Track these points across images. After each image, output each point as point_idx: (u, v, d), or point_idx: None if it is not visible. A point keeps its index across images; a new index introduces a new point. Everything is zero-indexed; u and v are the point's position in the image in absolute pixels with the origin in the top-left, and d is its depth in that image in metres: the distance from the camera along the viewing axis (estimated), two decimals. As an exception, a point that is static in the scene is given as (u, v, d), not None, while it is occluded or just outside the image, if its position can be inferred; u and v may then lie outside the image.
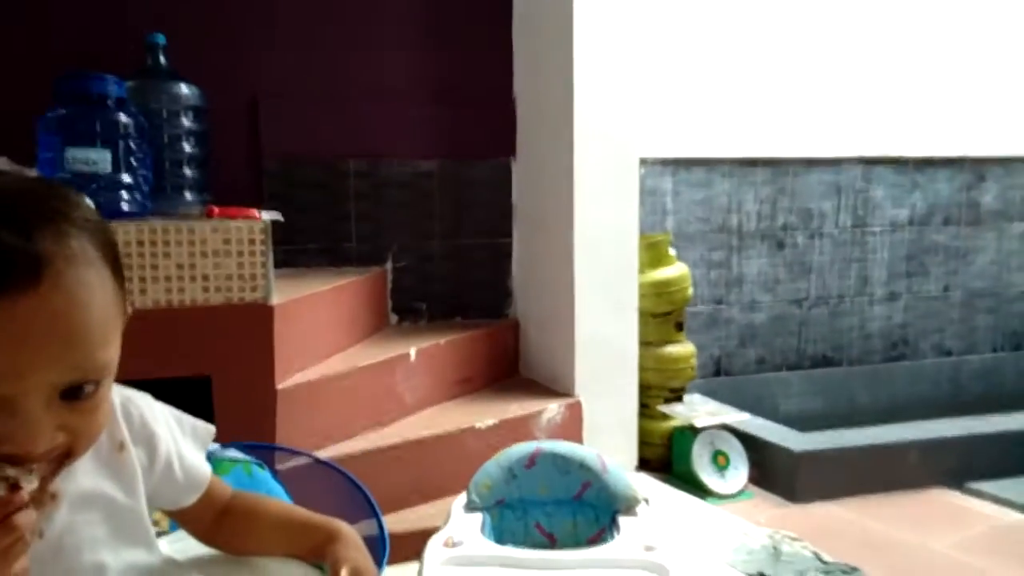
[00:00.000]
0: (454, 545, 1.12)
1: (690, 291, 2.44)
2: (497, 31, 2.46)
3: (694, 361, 2.43)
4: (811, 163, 2.96)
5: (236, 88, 2.22)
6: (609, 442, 2.19)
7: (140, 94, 1.76)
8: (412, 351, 2.08)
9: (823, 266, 3.02)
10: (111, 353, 0.59)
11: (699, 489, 2.15)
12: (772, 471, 2.20)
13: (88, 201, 0.62)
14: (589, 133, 2.19)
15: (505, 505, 1.29)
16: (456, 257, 2.48)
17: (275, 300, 1.68)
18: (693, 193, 2.82)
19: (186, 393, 1.52)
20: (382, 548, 1.29)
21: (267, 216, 1.72)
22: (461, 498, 1.29)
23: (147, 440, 0.69)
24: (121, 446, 0.67)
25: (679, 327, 2.42)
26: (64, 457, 0.59)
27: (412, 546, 1.37)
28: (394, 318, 2.44)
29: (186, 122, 1.86)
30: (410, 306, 2.45)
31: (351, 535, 0.75)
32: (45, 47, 2.01)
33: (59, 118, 1.57)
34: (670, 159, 2.77)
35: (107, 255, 0.59)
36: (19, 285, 0.51)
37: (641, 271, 2.31)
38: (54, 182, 0.60)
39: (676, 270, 2.42)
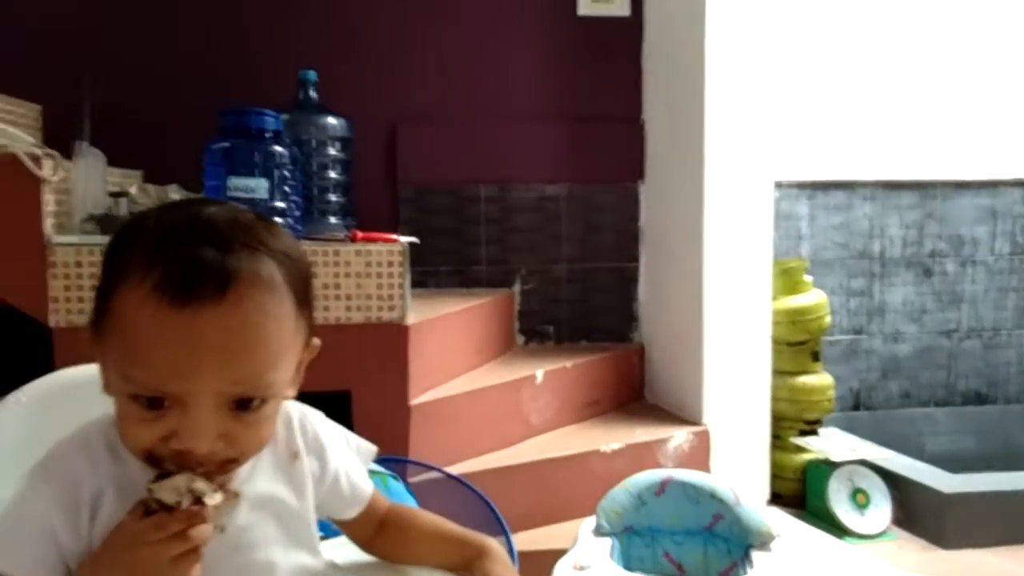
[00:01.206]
0: (582, 568, 1.12)
1: (827, 319, 2.34)
2: (626, 57, 2.48)
3: (831, 393, 2.32)
4: (962, 186, 2.77)
5: (377, 118, 2.34)
6: (739, 473, 2.13)
7: (293, 126, 1.89)
8: (539, 373, 2.11)
9: (976, 295, 2.81)
10: (279, 376, 0.63)
11: (836, 527, 2.05)
12: (918, 513, 2.06)
13: (292, 237, 0.67)
14: (720, 156, 2.15)
15: (633, 532, 1.28)
16: (582, 280, 2.50)
17: (411, 320, 1.76)
18: (831, 217, 2.71)
19: (328, 408, 1.62)
20: (510, 566, 1.31)
21: (405, 240, 1.80)
22: (589, 522, 1.29)
23: (319, 453, 0.74)
24: (295, 456, 0.72)
25: (815, 357, 2.33)
26: (228, 463, 0.64)
27: (537, 566, 1.38)
28: (521, 339, 2.48)
29: (333, 151, 1.98)
30: (537, 328, 2.49)
31: (500, 551, 0.78)
32: (212, 83, 2.20)
33: (223, 149, 1.71)
34: (806, 182, 2.68)
35: (295, 288, 0.63)
36: (205, 297, 0.57)
37: (775, 298, 2.24)
38: (265, 216, 0.66)
39: (812, 297, 2.32)
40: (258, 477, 0.69)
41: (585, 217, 2.49)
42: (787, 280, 2.32)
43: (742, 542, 1.21)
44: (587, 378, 2.27)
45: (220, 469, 0.63)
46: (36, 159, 1.59)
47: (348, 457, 0.77)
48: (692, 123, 2.19)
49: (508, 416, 2.03)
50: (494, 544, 0.78)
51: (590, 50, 2.47)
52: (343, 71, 2.22)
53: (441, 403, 1.85)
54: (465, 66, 2.42)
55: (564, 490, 1.92)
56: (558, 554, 1.26)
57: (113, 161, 1.78)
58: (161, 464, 0.62)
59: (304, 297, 0.66)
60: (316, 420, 0.76)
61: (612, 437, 2.07)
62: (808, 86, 2.64)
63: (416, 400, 1.78)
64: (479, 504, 1.51)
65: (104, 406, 0.65)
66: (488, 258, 2.47)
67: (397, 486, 1.41)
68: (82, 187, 1.66)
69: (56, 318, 1.60)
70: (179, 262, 0.58)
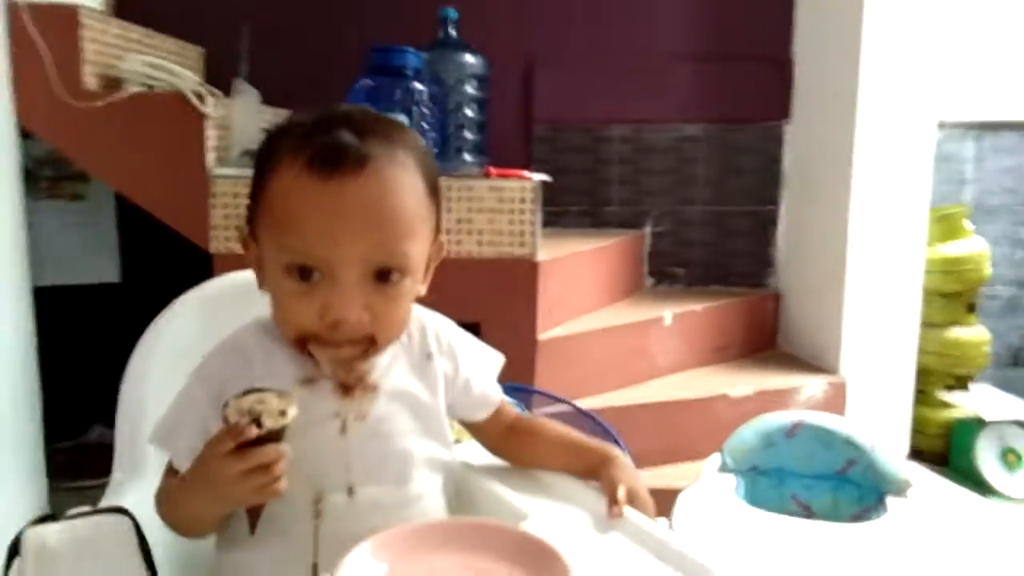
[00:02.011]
0: (704, 502, 1.12)
1: (988, 270, 2.17)
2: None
3: (987, 348, 2.17)
4: None
5: (514, 57, 2.34)
6: (877, 427, 2.04)
7: (433, 64, 1.93)
8: (667, 315, 2.09)
9: None
10: (415, 249, 0.69)
11: (981, 487, 1.93)
12: (1079, 481, 1.91)
13: (419, 138, 0.74)
14: (876, 94, 2.01)
15: (760, 472, 1.26)
16: (717, 224, 2.43)
17: (540, 257, 1.78)
18: (1000, 160, 2.48)
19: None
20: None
21: (537, 177, 1.81)
22: (714, 459, 1.29)
23: (451, 356, 0.79)
24: (429, 356, 0.77)
25: (971, 309, 2.17)
26: (369, 344, 0.69)
27: (659, 501, 1.38)
28: (650, 281, 2.45)
29: (470, 89, 2.01)
30: (666, 271, 2.45)
31: (624, 459, 0.80)
32: (358, 24, 2.28)
33: (367, 87, 1.78)
34: (975, 123, 2.45)
35: (425, 174, 0.71)
36: (347, 170, 0.65)
37: (930, 245, 2.09)
38: (400, 121, 0.73)
39: (971, 246, 2.16)
40: (394, 373, 0.74)
41: (723, 158, 2.40)
42: (944, 227, 2.16)
43: (876, 489, 1.16)
44: (718, 322, 2.22)
45: (363, 352, 0.70)
46: (200, 96, 1.72)
47: (478, 363, 0.81)
48: (847, 59, 2.05)
49: (635, 356, 2.03)
50: (618, 452, 0.80)
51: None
52: (482, 9, 2.22)
53: (568, 339, 1.87)
54: (603, 4, 2.37)
55: (689, 432, 1.91)
56: (679, 490, 1.26)
57: (267, 99, 1.89)
58: (307, 351, 0.68)
59: (432, 186, 0.71)
60: (449, 327, 0.81)
61: (741, 382, 2.03)
62: (978, 16, 2.40)
63: (543, 335, 1.81)
64: (606, 438, 1.53)
65: (259, 310, 0.72)
66: (620, 199, 2.44)
67: (524, 415, 1.46)
68: (240, 123, 1.78)
69: (216, 244, 1.74)
70: (323, 145, 0.66)
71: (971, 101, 2.42)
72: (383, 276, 0.67)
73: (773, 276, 2.43)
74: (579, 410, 1.54)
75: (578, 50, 2.38)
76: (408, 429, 0.74)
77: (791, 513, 1.23)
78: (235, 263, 0.83)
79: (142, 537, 0.68)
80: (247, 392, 0.62)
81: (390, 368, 0.74)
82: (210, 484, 0.63)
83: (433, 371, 0.77)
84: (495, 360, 0.84)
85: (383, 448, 0.73)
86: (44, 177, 2.10)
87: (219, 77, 1.87)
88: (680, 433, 1.90)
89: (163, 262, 1.99)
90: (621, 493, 0.73)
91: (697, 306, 2.18)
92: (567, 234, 2.29)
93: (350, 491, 0.71)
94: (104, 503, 0.76)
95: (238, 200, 1.72)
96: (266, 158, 0.69)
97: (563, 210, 2.42)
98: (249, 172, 0.73)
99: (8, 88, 1.66)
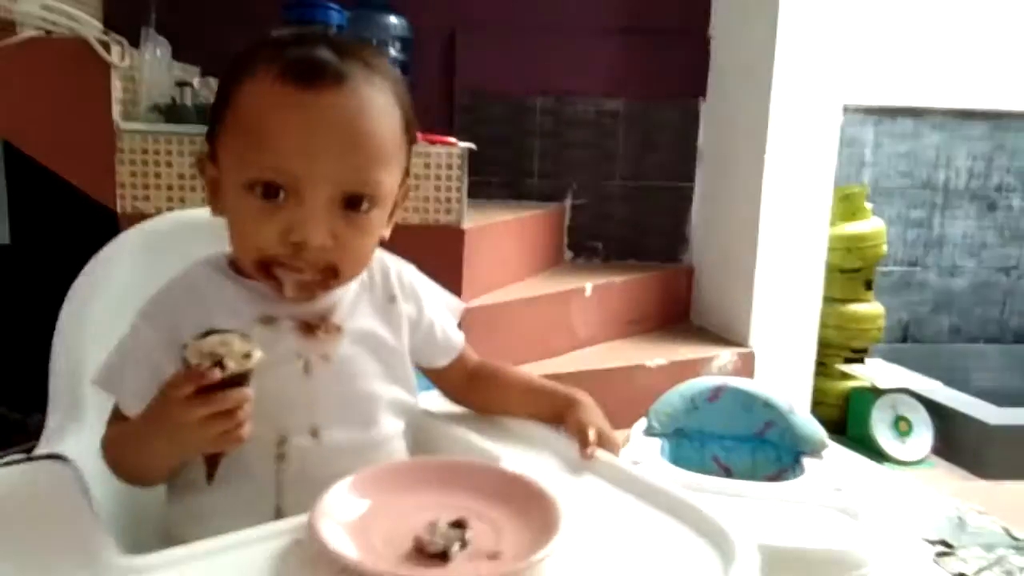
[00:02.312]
0: (635, 463, 1.15)
1: (884, 248, 2.31)
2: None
3: (881, 323, 2.31)
4: (1037, 118, 2.66)
5: (438, 22, 2.30)
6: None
7: (355, 23, 1.87)
8: (588, 287, 2.12)
9: (1040, 233, 2.73)
10: (387, 179, 0.66)
11: (875, 454, 2.06)
12: (960, 443, 2.07)
13: (398, 72, 0.71)
14: (790, 76, 2.09)
15: (683, 435, 1.31)
16: (635, 199, 2.48)
17: (466, 224, 1.77)
18: (896, 145, 2.63)
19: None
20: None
21: (463, 145, 1.79)
22: (640, 423, 1.32)
23: (415, 299, 0.77)
24: (392, 299, 0.75)
25: (868, 285, 2.30)
26: (330, 275, 0.67)
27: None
28: (569, 254, 2.48)
29: (393, 52, 1.96)
30: (586, 244, 2.48)
31: (589, 401, 0.80)
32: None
33: (287, 43, 1.71)
34: (874, 107, 2.59)
35: (401, 105, 0.68)
36: (324, 84, 0.62)
37: (832, 223, 2.20)
38: (380, 49, 0.70)
39: (870, 225, 2.28)
40: (358, 314, 0.73)
41: (641, 134, 2.45)
42: (846, 206, 2.28)
43: (792, 449, 1.22)
44: (634, 295, 2.27)
45: (322, 281, 0.67)
46: (105, 45, 1.60)
47: (441, 307, 0.80)
48: (763, 40, 2.11)
49: (557, 327, 2.05)
50: (584, 395, 0.80)
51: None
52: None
53: (493, 309, 1.87)
54: (528, -28, 2.36)
55: (609, 401, 1.89)
56: (604, 456, 1.29)
57: (177, 55, 1.79)
58: (271, 273, 0.65)
59: (407, 120, 0.69)
60: (411, 271, 0.80)
61: (657, 353, 2.08)
62: (882, 5, 2.53)
63: (468, 304, 1.79)
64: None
65: (208, 249, 0.68)
66: (540, 171, 2.45)
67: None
68: (149, 76, 1.68)
69: (124, 204, 1.64)
70: (301, 56, 0.63)
71: (871, 86, 2.55)
72: (353, 204, 0.65)
73: (687, 252, 2.50)
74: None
75: (502, 19, 2.36)
76: (373, 372, 0.73)
77: (712, 473, 1.28)
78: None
79: (84, 485, 0.63)
80: (207, 333, 0.58)
81: (354, 309, 0.72)
82: (166, 430, 0.59)
83: (397, 313, 0.75)
84: (455, 305, 0.83)
85: (348, 390, 0.71)
86: (-78, 126, 1.92)
87: (124, 26, 1.75)
88: (601, 402, 1.93)
89: (60, 223, 1.87)
90: (592, 435, 0.73)
91: (616, 279, 2.22)
92: (489, 205, 2.28)
93: (314, 433, 0.69)
94: (40, 451, 0.70)
95: (147, 157, 1.63)
96: (235, 72, 0.65)
97: (485, 180, 2.40)
98: (160, 127, 0.69)
99: None
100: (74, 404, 0.77)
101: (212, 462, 0.62)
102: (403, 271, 0.79)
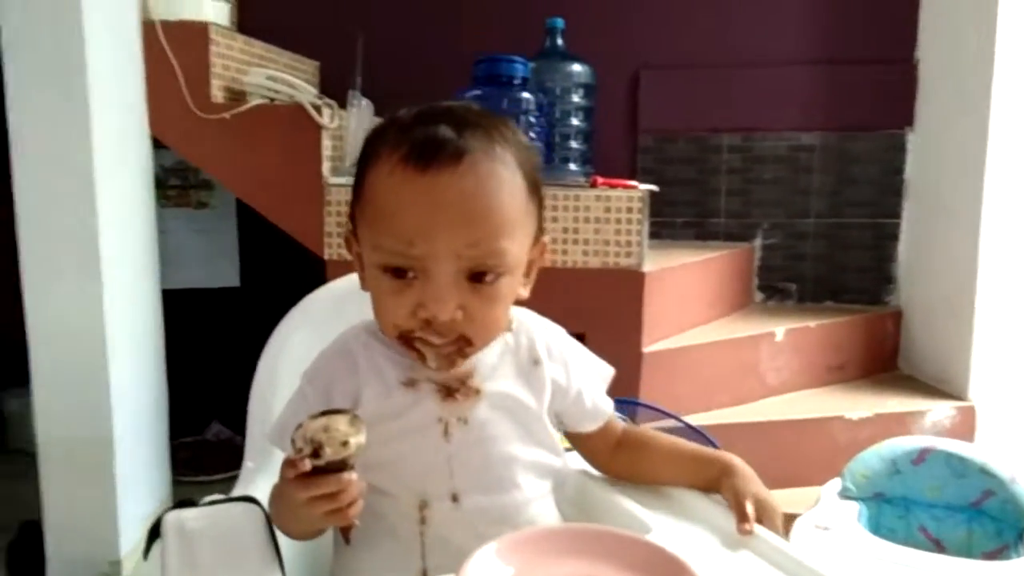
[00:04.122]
0: (824, 529, 1.06)
1: None
2: (900, -11, 2.22)
3: None
4: None
5: (620, 65, 2.32)
6: (1012, 458, 1.88)
7: (539, 73, 1.93)
8: (779, 331, 2.01)
9: None
10: (512, 248, 0.66)
11: None
12: None
13: (523, 136, 0.72)
14: (1010, 98, 1.87)
15: (884, 500, 1.19)
16: (833, 237, 2.32)
17: (647, 267, 1.75)
18: None
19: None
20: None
21: (645, 187, 1.78)
22: (833, 484, 1.22)
23: (563, 364, 0.76)
24: (536, 362, 0.75)
25: (1120, 333, 1.98)
26: (464, 344, 0.67)
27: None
28: (759, 296, 2.37)
29: (576, 98, 2.00)
30: (778, 285, 2.36)
31: (745, 468, 0.75)
32: (462, 33, 2.31)
33: (475, 97, 1.79)
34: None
35: (525, 172, 0.68)
36: (443, 163, 0.64)
37: (1072, 261, 1.93)
38: (504, 116, 0.71)
39: (1122, 263, 1.97)
40: (498, 377, 0.73)
41: (839, 168, 2.30)
42: (1089, 242, 1.98)
43: (1016, 524, 1.07)
44: (833, 340, 2.12)
45: (458, 350, 0.68)
46: (317, 108, 1.78)
47: (590, 373, 0.78)
48: (978, 60, 1.92)
49: (743, 372, 1.96)
50: (738, 461, 0.76)
51: (855, -15, 2.25)
52: (589, 17, 2.22)
53: (674, 353, 1.83)
54: (713, 9, 2.32)
55: (802, 455, 1.82)
56: (793, 518, 1.20)
57: (379, 110, 1.94)
58: (412, 346, 0.68)
59: (534, 185, 0.69)
60: (560, 336, 0.79)
61: (859, 405, 1.92)
62: None
63: (649, 348, 1.77)
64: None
65: (364, 314, 0.73)
66: (728, 210, 2.37)
67: (629, 428, 1.43)
68: (353, 133, 1.83)
69: (329, 251, 1.80)
70: (421, 138, 0.65)
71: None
72: (478, 276, 0.66)
73: (894, 293, 2.30)
74: (688, 425, 1.50)
75: (686, 57, 2.33)
76: (512, 434, 0.73)
77: (919, 546, 1.15)
78: (347, 269, 0.85)
79: (271, 526, 0.70)
80: (323, 413, 0.61)
81: (494, 372, 0.73)
82: (286, 504, 0.63)
83: (540, 377, 0.74)
84: (606, 372, 0.81)
85: (486, 454, 0.72)
86: (172, 186, 2.23)
87: (334, 89, 1.93)
88: (793, 456, 1.82)
89: (280, 267, 2.07)
90: (750, 508, 0.69)
91: (811, 322, 2.08)
92: (673, 246, 2.24)
93: (454, 498, 0.70)
94: (236, 492, 0.79)
95: (350, 208, 1.77)
96: (365, 153, 0.69)
97: (669, 221, 2.37)
98: (361, 180, 0.73)
99: (143, 101, 1.77)
100: (266, 450, 0.84)
101: (343, 529, 0.65)
102: (552, 336, 0.78)
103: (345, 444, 0.59)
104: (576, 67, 1.99)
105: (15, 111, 1.54)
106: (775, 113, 2.31)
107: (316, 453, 0.59)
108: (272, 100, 1.81)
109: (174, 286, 2.02)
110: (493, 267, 0.66)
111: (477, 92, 1.80)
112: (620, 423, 0.82)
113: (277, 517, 0.69)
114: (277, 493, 0.67)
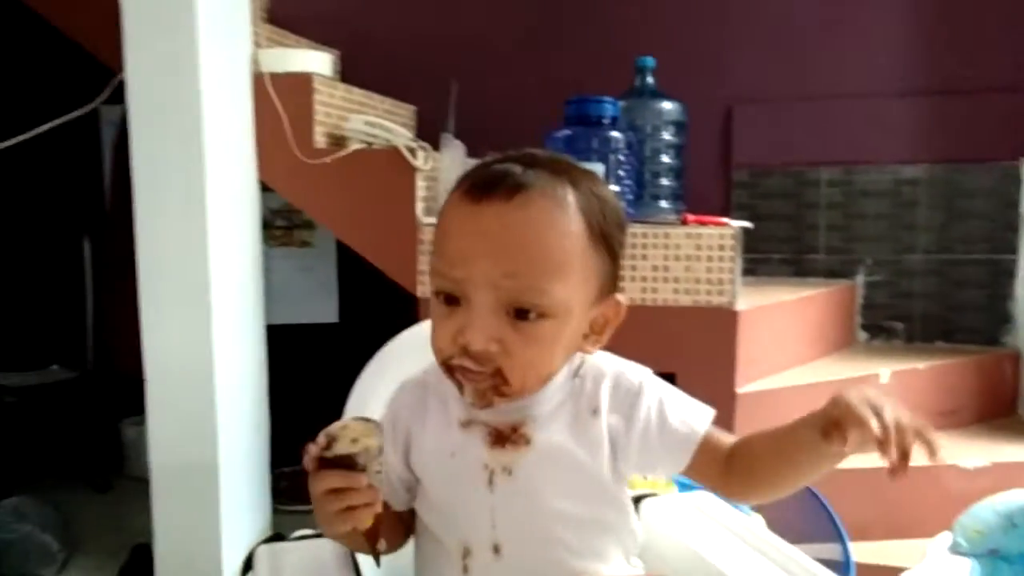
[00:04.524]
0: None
1: None
2: (1006, 5, 2.12)
3: None
4: None
5: (713, 100, 2.30)
6: None
7: (629, 112, 1.94)
8: (884, 373, 1.91)
9: None
10: (560, 292, 0.64)
11: None
12: None
13: (606, 188, 0.72)
14: None
15: (1000, 557, 1.11)
16: (942, 274, 2.21)
17: (740, 306, 1.71)
18: None
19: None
20: (846, 574, 1.21)
21: (737, 224, 1.75)
22: (941, 539, 1.15)
23: (628, 409, 0.71)
24: (595, 411, 0.70)
25: None
26: (500, 381, 0.65)
27: (877, 582, 1.26)
28: (863, 336, 2.27)
29: (667, 136, 1.99)
30: (883, 325, 2.25)
31: (849, 392, 0.65)
32: (553, 75, 2.35)
33: (565, 137, 1.82)
34: None
35: (589, 219, 0.67)
36: (497, 196, 0.64)
37: None
38: (586, 167, 0.72)
39: None
40: (552, 427, 0.70)
41: (948, 202, 2.19)
42: None
43: None
44: (944, 383, 2.00)
45: (494, 387, 0.66)
46: (412, 151, 1.85)
47: (666, 411, 0.71)
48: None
49: (845, 416, 1.87)
50: (838, 393, 0.66)
51: (961, 11, 2.16)
52: (680, 54, 2.22)
53: (770, 394, 1.77)
54: (809, 39, 2.27)
55: (911, 504, 1.72)
56: (900, 571, 1.14)
57: (472, 152, 1.99)
58: (453, 375, 0.68)
59: (600, 235, 0.67)
60: (638, 377, 0.73)
61: (974, 453, 1.80)
62: None
63: (743, 388, 1.72)
64: (813, 505, 1.42)
65: None
66: (827, 246, 2.30)
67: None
68: (446, 174, 1.88)
69: (422, 289, 1.85)
70: (488, 173, 0.66)
71: None
72: (522, 314, 0.64)
73: (1012, 333, 2.15)
74: (782, 471, 1.44)
75: (781, 89, 2.29)
76: (560, 489, 0.69)
77: (1041, 610, 1.06)
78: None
79: (355, 561, 0.72)
80: (355, 418, 0.65)
81: (549, 421, 0.70)
82: (312, 500, 0.66)
83: (598, 428, 0.70)
84: (701, 411, 0.73)
85: (530, 508, 0.69)
86: (278, 226, 2.36)
87: (429, 132, 2.00)
88: (900, 505, 1.72)
89: (376, 305, 2.14)
90: (875, 425, 0.59)
91: (919, 364, 1.97)
92: (768, 283, 2.18)
93: (496, 549, 0.69)
94: None
95: (442, 247, 1.82)
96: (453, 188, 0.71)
97: (765, 258, 2.32)
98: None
99: (252, 148, 1.88)
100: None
101: (373, 551, 0.67)
102: (625, 376, 0.73)
103: (355, 441, 0.62)
104: (666, 104, 1.99)
105: (138, 158, 1.67)
106: (877, 145, 2.24)
107: (330, 447, 0.63)
108: (370, 144, 1.89)
109: (278, 321, 2.12)
110: (534, 305, 0.64)
111: (567, 132, 1.82)
112: (725, 437, 0.73)
113: (316, 517, 0.70)
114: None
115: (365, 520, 0.64)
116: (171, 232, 1.68)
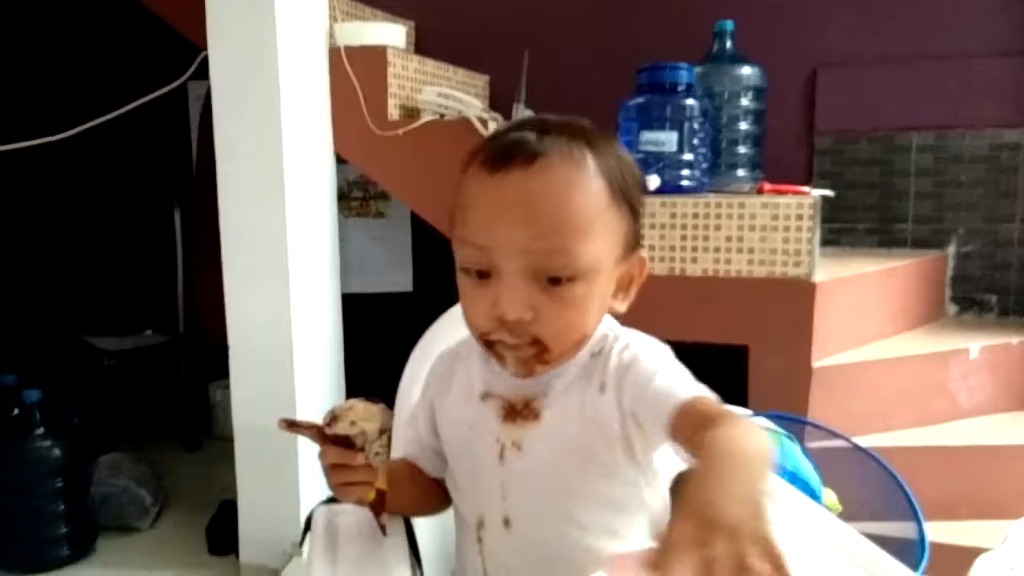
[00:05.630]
0: (1011, 570, 0.96)
1: None
2: None
3: None
4: None
5: (795, 64, 2.21)
6: None
7: (706, 78, 1.89)
8: (973, 347, 1.82)
9: None
10: (586, 251, 0.64)
11: None
12: None
13: (625, 152, 0.71)
14: None
15: (1091, 543, 1.05)
16: (1042, 244, 2.08)
17: (818, 277, 1.65)
18: None
19: (724, 361, 1.61)
20: (920, 554, 1.18)
21: (817, 193, 1.69)
22: (1026, 521, 1.10)
23: (619, 383, 0.68)
24: (602, 387, 0.68)
25: None
26: (541, 349, 0.65)
27: (954, 560, 1.21)
28: (952, 309, 2.16)
29: (745, 102, 1.93)
30: (975, 297, 2.14)
31: (717, 470, 0.53)
32: (629, 42, 2.30)
33: (637, 105, 1.79)
34: None
35: (609, 178, 0.67)
36: (516, 163, 0.64)
37: None
38: (604, 130, 0.71)
39: None
40: (563, 403, 0.69)
41: (1051, 167, 2.05)
42: None
43: None
44: (1040, 360, 1.89)
45: (536, 355, 0.66)
46: (483, 121, 1.85)
47: (660, 373, 0.66)
48: None
49: (929, 392, 1.80)
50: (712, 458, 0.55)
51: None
52: (759, 18, 2.13)
53: (848, 368, 1.71)
54: (896, 0, 2.15)
55: (995, 484, 1.65)
56: (979, 552, 1.09)
57: (542, 121, 1.98)
58: (493, 349, 0.68)
59: (621, 193, 0.67)
60: (641, 346, 0.70)
61: (1068, 433, 1.71)
62: None
63: (819, 362, 1.67)
64: (887, 482, 1.38)
65: None
66: (916, 215, 2.19)
67: (792, 448, 1.36)
68: (517, 145, 1.88)
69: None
70: (504, 142, 0.66)
71: None
72: (554, 280, 0.64)
73: (1119, 308, 2.02)
74: (858, 447, 1.40)
75: (869, 52, 2.18)
76: (571, 467, 0.68)
77: None
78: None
79: (409, 523, 0.75)
80: (362, 400, 0.69)
81: (561, 397, 0.69)
82: None
83: (606, 406, 0.68)
84: (690, 383, 0.66)
85: (538, 484, 0.69)
86: (353, 197, 2.41)
87: (503, 102, 2.00)
88: (984, 485, 1.65)
89: (449, 275, 2.18)
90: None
91: (1013, 339, 1.87)
92: (852, 254, 2.10)
93: (506, 523, 0.70)
94: None
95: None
96: (463, 165, 0.70)
97: (849, 227, 2.23)
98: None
99: (328, 121, 1.92)
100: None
101: (376, 520, 0.73)
102: (630, 348, 0.69)
103: (353, 424, 0.67)
104: (745, 69, 1.92)
105: (219, 134, 1.73)
106: (973, 109, 2.11)
107: (331, 425, 0.68)
108: (442, 116, 1.90)
109: (353, 291, 2.18)
110: (562, 267, 0.64)
111: (640, 100, 1.79)
112: (707, 407, 0.63)
113: None
114: None
115: (364, 495, 0.70)
116: (251, 204, 1.75)
